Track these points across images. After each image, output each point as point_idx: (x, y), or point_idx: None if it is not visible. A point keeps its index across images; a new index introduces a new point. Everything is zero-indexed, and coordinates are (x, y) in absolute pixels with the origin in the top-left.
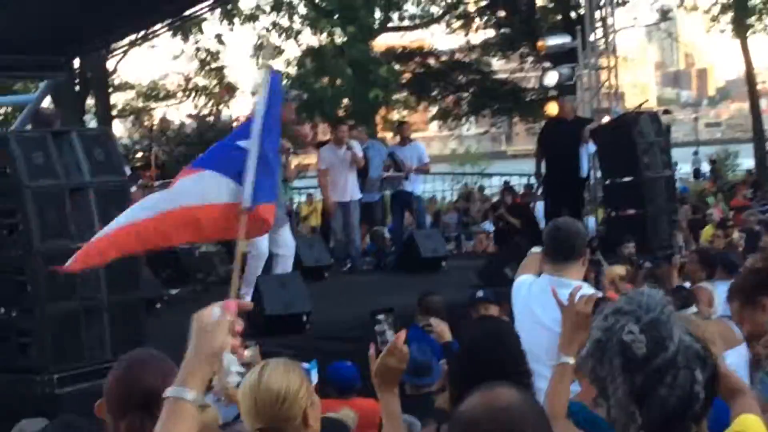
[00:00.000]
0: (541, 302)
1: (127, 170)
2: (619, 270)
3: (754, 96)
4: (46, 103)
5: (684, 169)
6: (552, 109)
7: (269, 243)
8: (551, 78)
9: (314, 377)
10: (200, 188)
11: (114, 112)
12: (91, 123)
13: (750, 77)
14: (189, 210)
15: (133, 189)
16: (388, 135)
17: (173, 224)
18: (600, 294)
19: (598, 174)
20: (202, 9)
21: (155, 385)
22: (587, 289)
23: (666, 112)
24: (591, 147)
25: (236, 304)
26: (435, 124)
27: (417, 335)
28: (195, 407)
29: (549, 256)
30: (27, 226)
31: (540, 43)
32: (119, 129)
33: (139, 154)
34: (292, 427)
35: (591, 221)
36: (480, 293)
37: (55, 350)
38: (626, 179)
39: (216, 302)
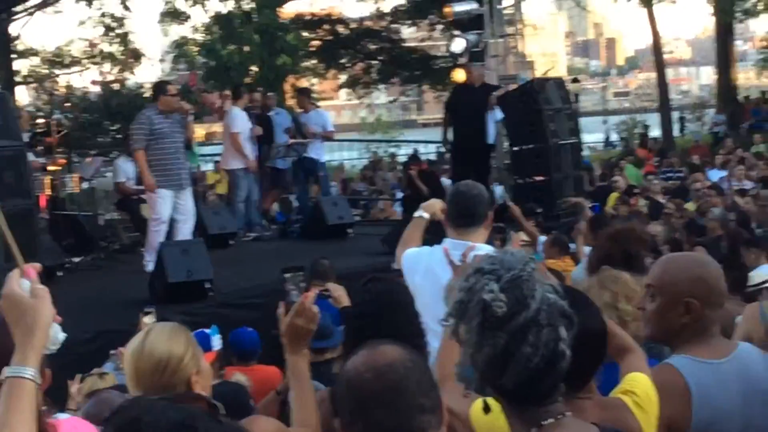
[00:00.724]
0: (444, 264)
1: (27, 136)
2: (522, 236)
3: (660, 66)
4: None
5: (593, 138)
6: (459, 75)
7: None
8: (458, 45)
9: (216, 343)
10: None
11: (18, 79)
12: None
13: (657, 47)
14: None
15: (33, 158)
16: None
17: None
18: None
19: (505, 141)
20: None
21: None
22: (485, 250)
23: (574, 80)
24: (498, 114)
25: (34, 268)
26: (345, 93)
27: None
28: (34, 383)
29: (452, 221)
30: None
31: (447, 10)
32: (23, 95)
33: (41, 121)
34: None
35: (498, 188)
36: (395, 265)
37: None
38: (532, 146)
39: (11, 274)
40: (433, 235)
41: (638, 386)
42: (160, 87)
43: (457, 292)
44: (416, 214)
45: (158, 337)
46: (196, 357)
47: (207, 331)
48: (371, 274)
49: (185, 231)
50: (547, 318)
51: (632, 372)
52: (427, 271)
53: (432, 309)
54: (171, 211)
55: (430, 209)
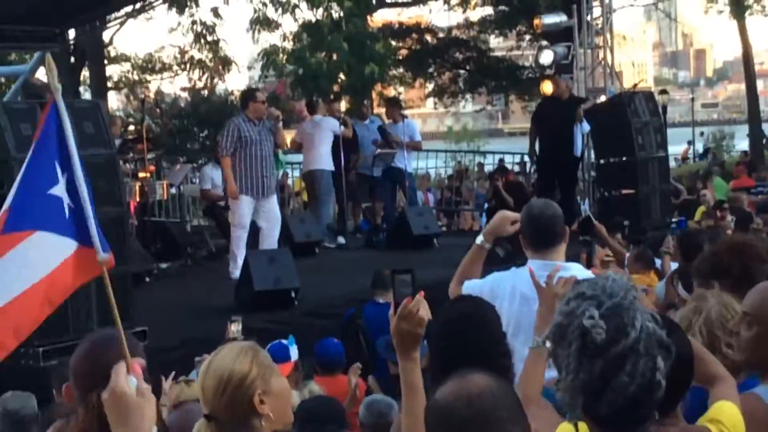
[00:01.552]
0: (531, 286)
1: (118, 143)
2: (606, 251)
3: (750, 77)
4: (41, 74)
5: (681, 150)
6: (547, 87)
7: (255, 215)
8: (546, 56)
9: (294, 353)
10: (40, 255)
11: (109, 84)
12: (86, 95)
13: (747, 58)
14: (41, 284)
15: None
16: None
17: (29, 307)
18: (578, 276)
19: (592, 153)
20: None
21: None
22: (573, 270)
23: (663, 92)
24: (585, 126)
25: (139, 364)
26: (432, 101)
27: (376, 316)
28: None
29: (531, 243)
30: None
31: (536, 21)
32: (114, 101)
33: (132, 127)
34: (239, 414)
35: (584, 201)
36: None
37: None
38: (619, 159)
39: (118, 368)
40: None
41: (725, 415)
42: (248, 94)
43: (556, 315)
44: (477, 240)
45: (225, 355)
46: (263, 377)
47: (284, 341)
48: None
49: (271, 238)
50: (646, 347)
51: (721, 400)
52: (513, 293)
53: (521, 331)
54: (251, 218)
55: (494, 233)
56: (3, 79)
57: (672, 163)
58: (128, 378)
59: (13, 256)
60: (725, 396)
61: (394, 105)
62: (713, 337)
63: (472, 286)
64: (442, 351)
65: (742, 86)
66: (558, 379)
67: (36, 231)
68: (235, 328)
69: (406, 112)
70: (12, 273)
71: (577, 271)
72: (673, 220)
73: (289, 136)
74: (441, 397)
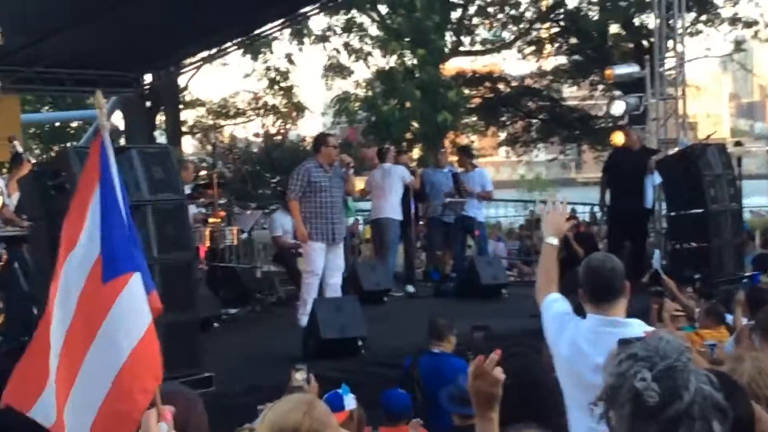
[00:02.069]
0: (591, 342)
1: (186, 189)
2: (675, 305)
3: None
4: (118, 118)
5: (759, 201)
6: (618, 138)
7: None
8: (618, 107)
9: (348, 402)
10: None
11: (184, 129)
12: (161, 139)
13: None
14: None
15: (194, 210)
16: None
17: (149, 352)
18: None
19: (664, 205)
20: (272, 29)
21: (180, 419)
22: (632, 327)
23: (737, 144)
24: (656, 178)
25: (170, 411)
26: (504, 150)
27: (431, 368)
28: None
29: (590, 297)
30: None
31: (608, 72)
32: (189, 146)
33: (203, 173)
34: None
35: (656, 253)
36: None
37: None
38: (691, 211)
39: (149, 414)
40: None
41: None
42: (320, 138)
43: (608, 376)
44: (546, 240)
45: (280, 407)
46: (313, 428)
47: (339, 391)
48: (511, 347)
49: (333, 285)
50: (701, 411)
51: None
52: (573, 344)
53: (577, 385)
54: (322, 264)
55: (557, 230)
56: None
57: (747, 215)
58: (159, 425)
59: (122, 304)
60: None
61: (465, 154)
62: None
63: (552, 314)
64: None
65: None
66: None
67: (134, 272)
68: (299, 376)
69: (480, 160)
70: (126, 322)
71: (636, 327)
72: (746, 274)
73: (359, 183)
74: None
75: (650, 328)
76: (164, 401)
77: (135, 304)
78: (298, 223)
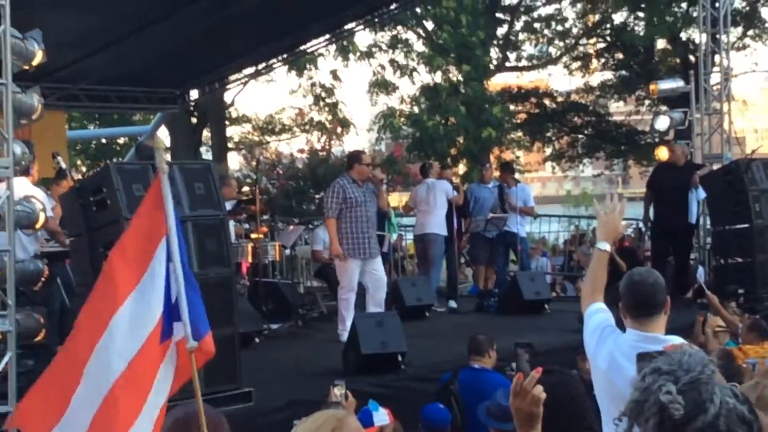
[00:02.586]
0: (629, 357)
1: (229, 205)
2: (718, 321)
3: None
4: (164, 135)
5: None
6: (662, 153)
7: (362, 276)
8: (662, 122)
9: (379, 418)
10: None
11: (230, 145)
12: (207, 155)
13: None
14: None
15: (236, 225)
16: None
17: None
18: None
19: (708, 220)
20: (317, 45)
21: None
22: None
23: None
24: (701, 193)
25: None
26: (551, 165)
27: (469, 383)
28: None
29: (630, 311)
30: None
31: (653, 87)
32: (234, 161)
33: (247, 188)
34: None
35: (700, 269)
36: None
37: None
38: (736, 227)
39: None
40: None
41: None
42: (354, 156)
43: (632, 390)
44: (597, 246)
45: (309, 423)
46: None
47: (368, 407)
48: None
49: (377, 299)
50: (726, 424)
51: None
52: (611, 358)
53: (613, 400)
54: (357, 280)
55: (612, 233)
56: (127, 139)
57: None
58: None
59: (164, 367)
60: None
61: (507, 170)
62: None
63: (596, 313)
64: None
65: None
66: None
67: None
68: (338, 391)
69: (525, 175)
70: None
71: (676, 343)
72: None
73: (405, 197)
74: None
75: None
76: (189, 420)
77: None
78: (333, 240)
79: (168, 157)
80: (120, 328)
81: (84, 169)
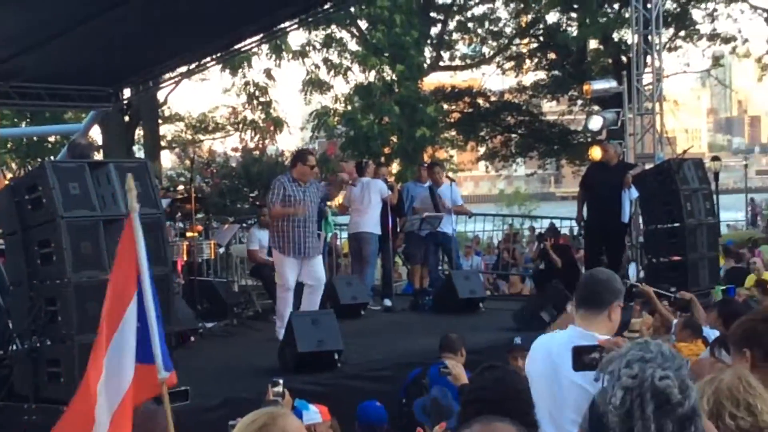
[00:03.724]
0: (564, 357)
1: (166, 202)
2: (648, 322)
3: None
4: (96, 133)
5: (736, 216)
6: (595, 153)
7: (300, 276)
8: (595, 122)
9: (308, 417)
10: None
11: (163, 144)
12: (140, 153)
13: None
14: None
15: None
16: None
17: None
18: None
19: (641, 220)
20: (251, 44)
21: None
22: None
23: (715, 159)
24: (633, 192)
25: None
26: (484, 164)
27: (440, 378)
28: None
29: (578, 305)
30: (60, 257)
31: (586, 87)
32: (167, 160)
33: (181, 187)
34: None
35: (632, 267)
36: (517, 340)
37: None
38: (668, 226)
39: None
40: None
41: None
42: (299, 156)
43: (624, 379)
44: (568, 307)
45: (241, 422)
46: None
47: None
48: (488, 362)
49: (313, 299)
50: (698, 409)
51: None
52: (547, 365)
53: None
54: (296, 279)
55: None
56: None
57: (725, 230)
58: None
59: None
60: None
61: (434, 168)
62: (719, 405)
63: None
64: (473, 415)
65: None
66: None
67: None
68: (276, 390)
69: (459, 174)
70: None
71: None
72: (722, 287)
73: (339, 198)
74: None
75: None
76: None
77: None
78: (289, 210)
79: (101, 155)
80: (101, 394)
81: (14, 167)
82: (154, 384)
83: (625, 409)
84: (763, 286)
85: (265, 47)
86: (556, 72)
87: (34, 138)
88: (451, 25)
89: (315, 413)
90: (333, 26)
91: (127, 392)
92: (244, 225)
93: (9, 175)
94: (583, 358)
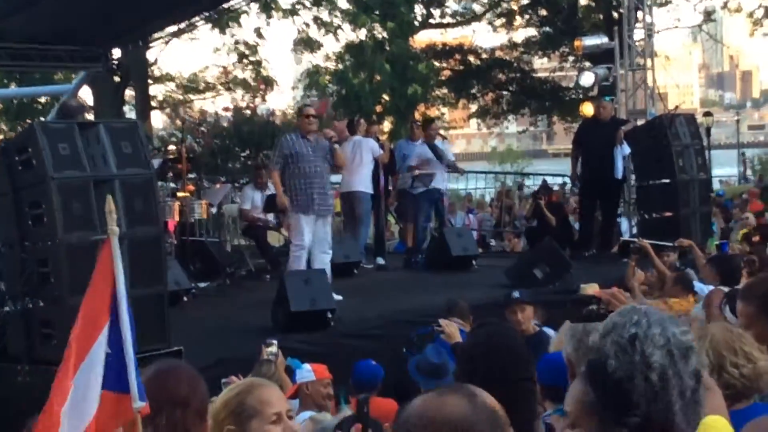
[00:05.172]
0: None
1: (157, 162)
2: (641, 277)
3: None
4: (86, 94)
5: (728, 171)
6: (587, 109)
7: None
8: (587, 78)
9: (301, 375)
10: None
11: (153, 104)
12: (131, 114)
13: None
14: None
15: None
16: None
17: None
18: None
19: (632, 176)
20: (240, 2)
21: (183, 393)
22: None
23: (707, 114)
24: (625, 149)
25: None
26: (476, 122)
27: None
28: None
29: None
30: (51, 218)
31: (577, 43)
32: (158, 120)
33: (172, 147)
34: None
35: (624, 223)
36: (516, 294)
37: None
38: (660, 182)
39: None
40: None
41: (715, 430)
42: (298, 110)
43: (615, 333)
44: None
45: (226, 390)
46: (239, 418)
47: (288, 362)
48: (481, 319)
49: (321, 262)
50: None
51: (710, 415)
52: None
53: None
54: (310, 236)
55: None
56: (49, 99)
57: (717, 185)
58: None
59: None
60: (714, 409)
61: (428, 126)
62: (720, 357)
63: None
64: (468, 373)
65: None
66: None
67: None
68: (270, 350)
69: (451, 132)
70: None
71: None
72: (716, 242)
73: None
74: (406, 415)
75: None
76: (166, 376)
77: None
78: (278, 191)
79: (91, 116)
80: (65, 419)
81: (5, 128)
82: (125, 412)
83: (623, 358)
84: (749, 239)
85: (254, 6)
86: (547, 28)
87: (24, 99)
88: None
89: (308, 371)
90: None
91: (93, 419)
92: (236, 185)
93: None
94: (580, 309)
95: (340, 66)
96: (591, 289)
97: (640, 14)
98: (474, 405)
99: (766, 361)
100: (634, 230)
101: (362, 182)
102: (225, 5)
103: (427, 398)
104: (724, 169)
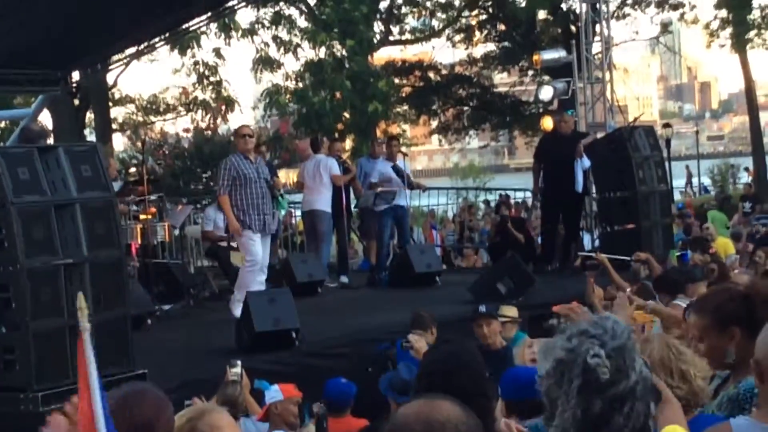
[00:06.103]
0: None
1: (117, 185)
2: (600, 292)
3: (753, 110)
4: (46, 117)
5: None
6: (547, 123)
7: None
8: (546, 92)
9: (269, 396)
10: None
11: (114, 126)
12: (91, 137)
13: (750, 91)
14: None
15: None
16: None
17: None
18: None
19: (593, 189)
20: (199, 23)
21: (147, 418)
22: None
23: (666, 126)
24: (586, 162)
25: None
26: (437, 138)
27: (405, 353)
28: None
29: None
30: (12, 243)
31: (535, 57)
32: (119, 143)
33: (133, 169)
34: None
35: (586, 237)
36: (482, 308)
37: (40, 368)
38: (620, 194)
39: None
40: None
41: None
42: (235, 131)
43: (557, 350)
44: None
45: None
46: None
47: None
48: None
49: (260, 282)
50: (642, 391)
51: (669, 425)
52: None
53: None
54: (261, 253)
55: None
56: (8, 123)
57: (677, 196)
58: None
59: None
60: (672, 419)
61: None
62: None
63: None
64: (426, 389)
65: (748, 119)
66: (548, 415)
67: None
68: (235, 371)
69: (412, 149)
70: None
71: None
72: (677, 253)
73: (293, 174)
74: (402, 415)
75: None
76: (132, 400)
77: None
78: (229, 217)
79: (51, 140)
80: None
81: None
82: None
83: (553, 380)
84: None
85: (213, 26)
86: (506, 43)
87: None
88: None
89: (276, 391)
90: (281, 3)
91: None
92: (198, 206)
93: None
94: (541, 324)
95: (300, 85)
96: (509, 311)
97: (597, 28)
98: (465, 410)
99: (703, 380)
100: (596, 243)
101: (323, 201)
102: (184, 26)
103: (419, 404)
104: (684, 181)
